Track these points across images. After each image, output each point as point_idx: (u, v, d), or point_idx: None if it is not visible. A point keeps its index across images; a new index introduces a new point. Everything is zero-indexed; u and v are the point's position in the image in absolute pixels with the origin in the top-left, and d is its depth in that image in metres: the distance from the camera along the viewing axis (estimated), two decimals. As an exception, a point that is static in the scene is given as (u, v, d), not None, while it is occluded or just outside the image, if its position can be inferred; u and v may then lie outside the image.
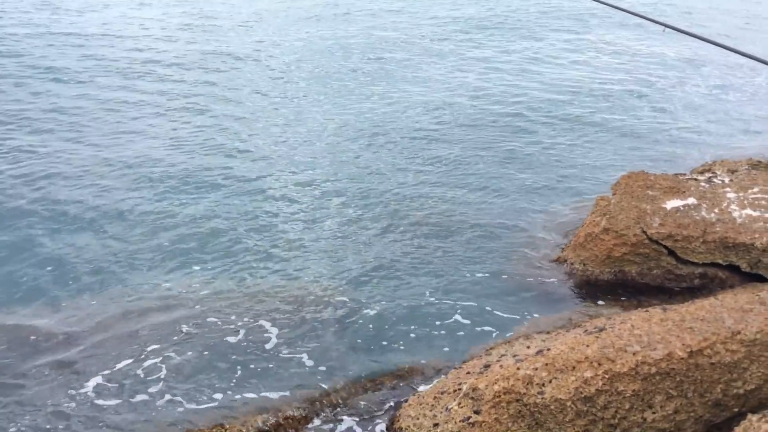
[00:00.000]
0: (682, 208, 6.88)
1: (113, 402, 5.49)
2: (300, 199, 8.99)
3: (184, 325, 6.39)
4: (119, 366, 5.87)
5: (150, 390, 5.61)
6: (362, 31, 18.82)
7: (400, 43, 17.62)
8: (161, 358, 5.95)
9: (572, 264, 7.05)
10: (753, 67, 14.98)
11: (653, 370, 4.55)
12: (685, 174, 8.30)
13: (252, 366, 5.88)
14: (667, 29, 7.23)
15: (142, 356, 5.97)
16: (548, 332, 5.82)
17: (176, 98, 13.07)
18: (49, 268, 7.36)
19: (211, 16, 20.45)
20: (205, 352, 6.03)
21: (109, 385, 5.66)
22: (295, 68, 15.29)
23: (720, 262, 6.52)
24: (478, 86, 14.21)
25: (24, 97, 12.72)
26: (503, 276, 7.21)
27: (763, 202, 6.89)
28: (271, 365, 5.91)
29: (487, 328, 6.35)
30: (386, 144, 10.98)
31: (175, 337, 6.23)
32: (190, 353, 6.02)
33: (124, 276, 7.27)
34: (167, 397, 5.53)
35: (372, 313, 6.63)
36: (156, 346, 6.09)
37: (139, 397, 5.54)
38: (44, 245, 7.77)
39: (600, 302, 6.59)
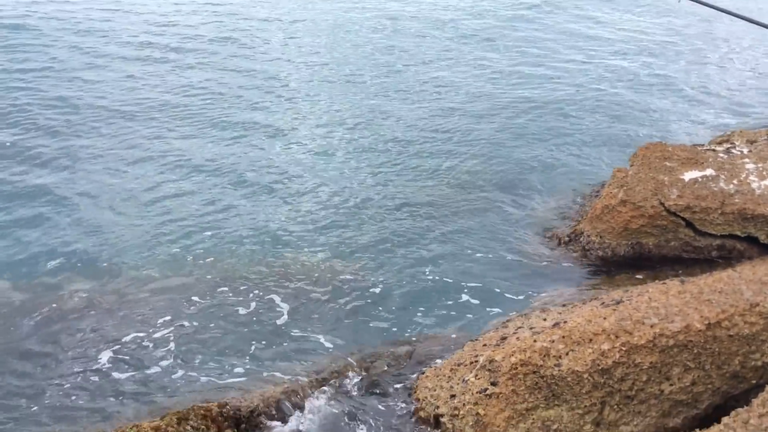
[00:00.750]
0: (700, 180, 6.80)
1: (127, 374, 5.54)
2: (310, 176, 8.97)
3: (195, 297, 6.45)
4: (132, 337, 5.93)
5: (163, 362, 5.66)
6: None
7: (409, 22, 17.43)
8: (174, 330, 6.01)
9: (589, 236, 7.02)
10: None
11: (671, 342, 4.54)
12: (703, 145, 8.20)
13: (266, 339, 5.92)
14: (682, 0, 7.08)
15: (155, 328, 6.04)
16: (564, 305, 5.82)
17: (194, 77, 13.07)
18: (61, 241, 7.44)
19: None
20: (217, 326, 6.09)
21: (123, 356, 5.72)
22: (308, 49, 15.19)
23: (738, 233, 6.47)
24: (488, 66, 14.06)
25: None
26: (520, 249, 7.20)
27: (783, 173, 6.81)
28: (285, 338, 5.95)
29: (503, 301, 6.36)
30: (397, 117, 10.93)
31: (188, 310, 6.30)
32: (202, 326, 6.08)
33: (136, 248, 7.33)
34: (180, 370, 5.58)
35: (385, 287, 6.65)
36: (168, 317, 6.17)
37: (153, 369, 5.60)
38: (55, 219, 7.83)
39: (617, 274, 6.57)
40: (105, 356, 5.72)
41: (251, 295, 6.47)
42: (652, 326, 4.62)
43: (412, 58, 13.81)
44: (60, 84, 11.77)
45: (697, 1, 6.26)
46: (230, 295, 6.47)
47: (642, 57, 14.15)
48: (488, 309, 6.26)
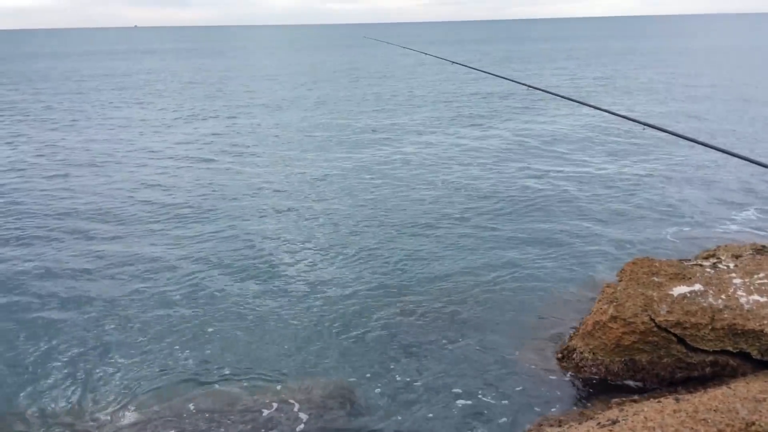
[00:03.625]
0: (689, 295, 6.86)
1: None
2: (313, 280, 9.11)
3: (191, 404, 6.40)
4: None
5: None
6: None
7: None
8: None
9: (582, 353, 6.98)
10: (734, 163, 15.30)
11: (669, 464, 4.46)
12: (689, 260, 8.32)
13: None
14: (648, 128, 7.46)
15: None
16: (560, 426, 5.72)
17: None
18: (63, 340, 7.46)
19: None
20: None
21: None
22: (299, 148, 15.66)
23: (730, 349, 6.45)
24: (475, 171, 14.54)
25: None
26: (513, 366, 7.14)
27: (770, 288, 6.89)
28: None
29: (498, 421, 6.24)
30: (393, 222, 11.24)
31: (192, 419, 6.25)
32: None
33: (137, 354, 7.39)
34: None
35: (372, 401, 6.56)
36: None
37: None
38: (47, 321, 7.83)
39: (612, 392, 6.49)
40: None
41: (244, 407, 6.37)
42: (649, 448, 4.55)
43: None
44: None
45: (660, 129, 6.69)
46: (229, 405, 6.37)
47: (609, 186, 14.66)
48: (478, 428, 6.12)
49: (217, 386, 6.83)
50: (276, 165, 16.41)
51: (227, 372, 7.09)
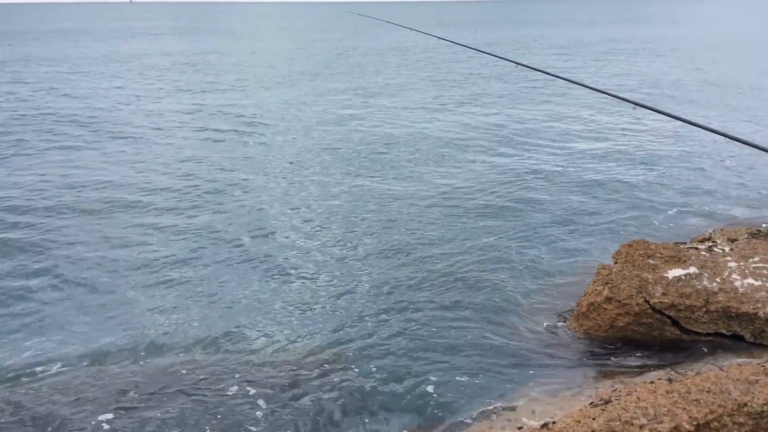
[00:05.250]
0: (683, 278, 6.89)
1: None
2: (298, 260, 9.08)
3: (171, 376, 6.40)
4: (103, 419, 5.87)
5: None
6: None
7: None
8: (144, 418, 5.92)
9: (575, 334, 7.02)
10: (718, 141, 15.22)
11: (661, 443, 4.49)
12: (685, 243, 8.34)
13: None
14: (637, 107, 7.43)
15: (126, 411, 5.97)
16: (552, 404, 5.74)
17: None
18: (44, 321, 7.57)
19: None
20: (191, 411, 6.02)
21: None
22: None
23: (724, 332, 6.49)
24: (480, 155, 14.49)
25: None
26: (505, 344, 7.15)
27: (765, 272, 6.92)
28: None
29: (488, 397, 6.24)
30: (388, 200, 11.20)
31: (164, 392, 6.24)
32: (176, 411, 5.99)
33: (115, 332, 7.38)
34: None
35: (369, 377, 6.55)
36: (142, 404, 6.09)
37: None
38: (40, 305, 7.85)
39: (605, 373, 6.51)
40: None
41: (226, 383, 6.37)
42: (641, 427, 4.58)
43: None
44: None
45: (650, 108, 6.68)
46: (210, 382, 6.37)
47: (617, 157, 14.63)
48: (473, 407, 6.13)
49: (188, 355, 6.92)
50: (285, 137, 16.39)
51: (195, 341, 7.17)
